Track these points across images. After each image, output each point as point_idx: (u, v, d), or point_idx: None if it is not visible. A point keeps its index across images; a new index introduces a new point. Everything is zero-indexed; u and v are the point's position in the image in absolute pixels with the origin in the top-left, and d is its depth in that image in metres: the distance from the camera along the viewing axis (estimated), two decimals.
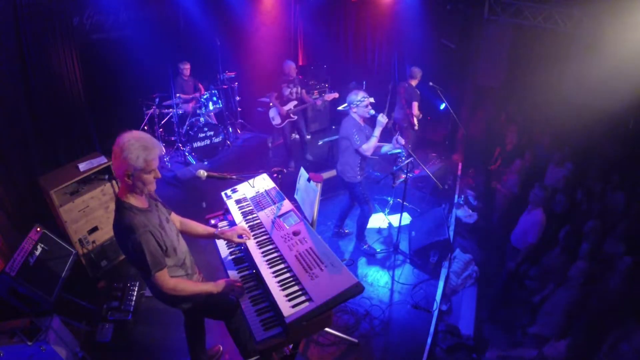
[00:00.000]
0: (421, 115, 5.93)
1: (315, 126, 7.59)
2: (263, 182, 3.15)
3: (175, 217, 2.44)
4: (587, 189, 4.58)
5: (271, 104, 5.92)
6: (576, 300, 3.10)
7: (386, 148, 3.97)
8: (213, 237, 2.59)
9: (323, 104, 6.73)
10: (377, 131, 3.72)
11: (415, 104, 5.75)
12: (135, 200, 2.04)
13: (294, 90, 5.80)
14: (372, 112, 3.79)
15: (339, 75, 7.82)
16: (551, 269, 3.74)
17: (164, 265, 2.07)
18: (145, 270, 2.00)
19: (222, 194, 3.16)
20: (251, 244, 2.53)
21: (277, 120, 5.94)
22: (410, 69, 5.90)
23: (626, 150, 5.12)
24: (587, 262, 3.16)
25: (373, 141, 3.74)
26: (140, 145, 1.91)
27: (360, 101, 3.75)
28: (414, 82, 5.81)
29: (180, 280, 2.19)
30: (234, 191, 3.15)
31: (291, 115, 5.86)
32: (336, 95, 5.66)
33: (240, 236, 2.51)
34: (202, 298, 2.32)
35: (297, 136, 6.35)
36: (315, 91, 7.33)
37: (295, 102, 5.85)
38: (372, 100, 3.81)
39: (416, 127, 5.93)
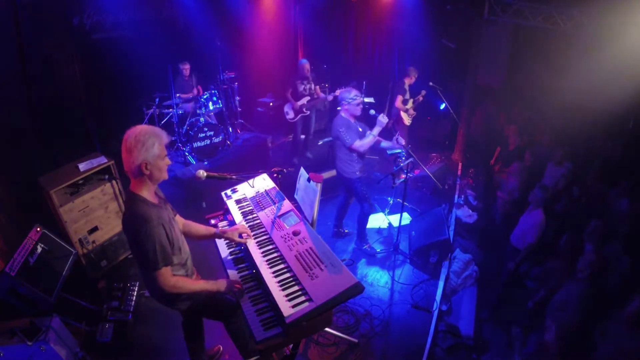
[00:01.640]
0: (414, 113, 5.98)
1: (316, 126, 7.59)
2: (263, 182, 3.15)
3: (179, 219, 2.46)
4: (586, 189, 4.58)
5: (269, 102, 6.01)
6: (586, 295, 3.10)
7: (385, 144, 3.98)
8: (215, 236, 2.60)
9: (331, 100, 6.88)
10: (376, 130, 3.72)
11: (399, 97, 5.86)
12: (148, 195, 2.07)
13: (307, 86, 6.07)
14: (373, 112, 3.79)
15: (339, 75, 7.81)
16: (551, 273, 3.74)
17: (171, 262, 2.08)
18: (151, 263, 1.99)
19: (222, 194, 3.16)
20: (251, 244, 2.53)
21: (290, 115, 6.19)
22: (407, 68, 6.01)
23: (626, 151, 5.11)
24: (594, 256, 3.16)
25: (369, 139, 3.74)
26: (152, 134, 1.99)
27: (352, 99, 3.76)
28: (407, 80, 5.93)
29: (181, 277, 2.19)
30: (234, 191, 3.15)
31: (304, 110, 6.10)
32: (350, 88, 5.75)
33: (241, 235, 2.52)
34: (201, 298, 2.32)
35: (303, 136, 6.53)
36: None
37: (308, 98, 6.09)
38: (371, 100, 3.81)
39: (406, 123, 6.00)
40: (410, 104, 6.03)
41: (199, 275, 2.59)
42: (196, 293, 2.24)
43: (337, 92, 5.90)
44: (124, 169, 2.03)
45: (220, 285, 2.26)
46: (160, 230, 2.00)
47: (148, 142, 1.95)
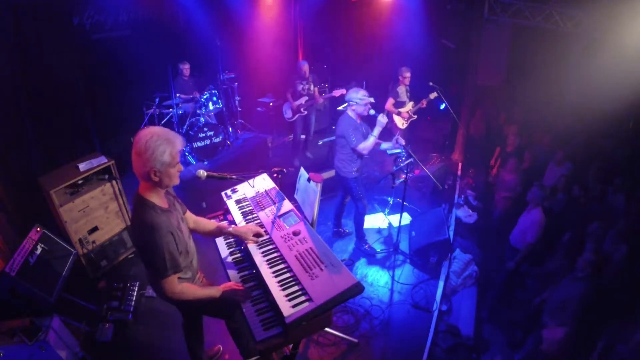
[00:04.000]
0: (414, 117, 5.86)
1: (316, 126, 7.59)
2: (263, 182, 3.15)
3: (189, 216, 2.43)
4: (586, 189, 4.58)
5: (269, 102, 6.01)
6: (588, 293, 3.11)
7: (385, 146, 3.98)
8: (226, 233, 2.59)
9: (326, 100, 6.87)
10: (377, 131, 3.72)
11: (389, 100, 5.75)
12: (158, 199, 2.02)
13: (306, 87, 6.09)
14: (373, 112, 3.79)
15: (339, 75, 7.82)
16: (554, 272, 3.75)
17: (180, 269, 2.07)
18: (159, 271, 1.98)
19: (222, 194, 3.16)
20: (251, 244, 2.53)
21: (288, 114, 6.23)
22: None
23: (626, 151, 5.12)
24: (593, 255, 3.17)
25: (371, 140, 3.74)
26: (164, 140, 1.89)
27: (360, 99, 3.75)
28: (401, 81, 5.72)
29: (187, 285, 2.18)
30: (234, 191, 3.15)
31: (302, 110, 6.12)
32: (343, 91, 5.76)
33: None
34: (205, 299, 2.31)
35: (303, 136, 6.55)
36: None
37: (306, 98, 6.11)
38: (372, 100, 3.81)
39: (399, 126, 5.85)
40: (409, 106, 5.86)
41: (202, 273, 2.59)
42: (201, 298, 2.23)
43: (335, 93, 5.91)
44: (132, 169, 1.94)
45: (224, 290, 2.26)
46: (169, 238, 1.96)
47: (159, 150, 1.86)
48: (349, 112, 3.85)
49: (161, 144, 1.87)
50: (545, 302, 3.43)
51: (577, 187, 4.58)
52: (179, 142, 1.95)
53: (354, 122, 3.82)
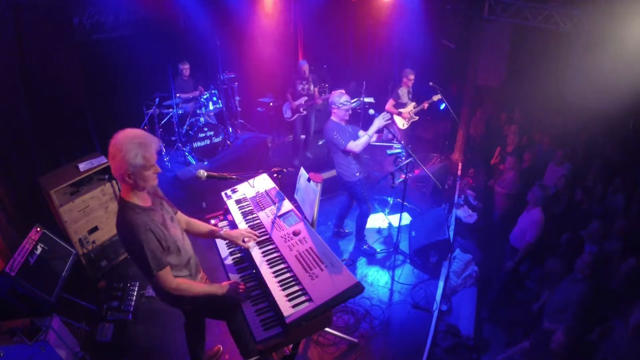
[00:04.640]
0: (416, 118, 5.83)
1: (316, 126, 7.60)
2: (263, 182, 3.15)
3: (181, 217, 2.43)
4: (586, 189, 4.58)
5: (269, 102, 6.04)
6: (587, 295, 3.12)
7: (386, 137, 3.99)
8: (218, 237, 2.59)
9: (326, 101, 6.88)
10: (371, 130, 3.72)
11: (390, 101, 5.73)
12: (138, 199, 2.02)
13: (306, 87, 6.11)
14: (372, 111, 3.79)
15: (339, 75, 7.81)
16: (553, 273, 3.75)
17: (165, 265, 2.06)
18: (147, 269, 1.99)
19: (222, 194, 3.15)
20: (251, 244, 2.53)
21: (288, 114, 6.24)
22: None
23: (626, 151, 5.12)
24: (592, 257, 3.17)
25: (364, 139, 3.74)
26: (136, 143, 1.89)
27: (342, 104, 3.77)
28: (404, 83, 5.71)
29: (183, 280, 2.18)
30: (234, 191, 3.15)
31: (301, 110, 6.13)
32: (343, 91, 5.73)
33: (244, 240, 2.51)
34: (204, 298, 2.31)
35: (303, 136, 6.55)
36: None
37: (305, 98, 6.12)
38: (371, 100, 3.81)
39: (400, 126, 5.82)
40: (410, 107, 5.82)
41: (205, 274, 2.58)
42: (199, 296, 2.23)
43: (334, 94, 5.89)
44: None
45: (224, 288, 2.25)
46: (149, 236, 1.96)
47: (130, 153, 1.86)
48: (332, 117, 3.87)
49: (133, 147, 1.87)
50: (544, 305, 3.43)
51: (579, 192, 4.58)
52: (154, 144, 1.94)
53: (337, 125, 3.83)
